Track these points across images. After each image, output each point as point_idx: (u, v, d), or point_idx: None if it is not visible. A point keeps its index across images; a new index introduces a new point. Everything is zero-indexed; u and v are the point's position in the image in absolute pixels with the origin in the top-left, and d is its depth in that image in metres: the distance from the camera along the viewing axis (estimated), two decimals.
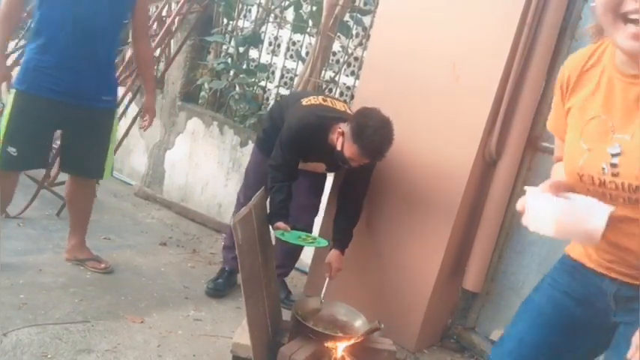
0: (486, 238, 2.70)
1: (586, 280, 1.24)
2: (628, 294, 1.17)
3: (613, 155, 1.07)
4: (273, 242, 2.53)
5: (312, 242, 2.56)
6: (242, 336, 2.08)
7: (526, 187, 1.11)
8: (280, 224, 2.43)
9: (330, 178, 2.94)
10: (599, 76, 1.12)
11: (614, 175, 1.07)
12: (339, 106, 2.62)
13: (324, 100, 2.62)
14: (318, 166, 2.76)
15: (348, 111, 2.62)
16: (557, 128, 1.28)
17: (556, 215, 1.03)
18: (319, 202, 2.93)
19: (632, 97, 1.06)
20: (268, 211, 2.47)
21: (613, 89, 1.09)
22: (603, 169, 1.09)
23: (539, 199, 1.07)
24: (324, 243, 2.56)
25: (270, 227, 2.44)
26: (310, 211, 2.89)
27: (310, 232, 2.85)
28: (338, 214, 2.67)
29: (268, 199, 2.50)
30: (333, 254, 2.56)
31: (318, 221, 2.98)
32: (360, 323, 2.26)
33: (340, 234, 2.62)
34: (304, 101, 2.59)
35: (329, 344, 2.09)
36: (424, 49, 2.66)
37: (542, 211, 1.05)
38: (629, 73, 1.05)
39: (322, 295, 2.40)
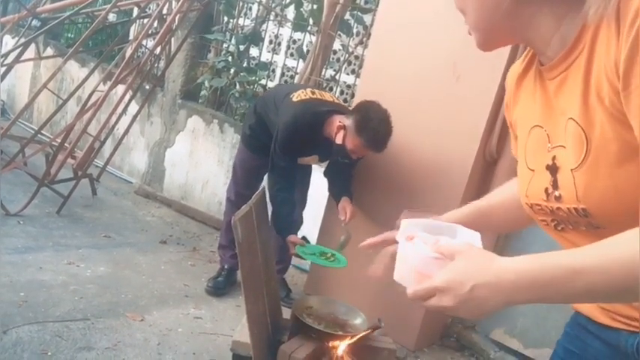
0: (486, 238, 2.70)
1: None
2: None
3: (552, 173, 0.81)
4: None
5: (333, 261, 2.58)
6: (242, 334, 2.08)
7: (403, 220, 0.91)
8: (293, 238, 2.55)
9: (315, 173, 2.99)
10: (535, 78, 0.89)
11: (558, 199, 0.81)
12: (328, 97, 2.67)
13: (313, 93, 2.64)
14: (312, 159, 2.79)
15: (336, 101, 2.69)
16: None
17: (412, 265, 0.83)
18: (307, 194, 2.97)
19: (550, 93, 0.83)
20: (271, 213, 2.50)
21: (546, 90, 0.84)
22: (547, 192, 0.82)
23: (407, 246, 0.87)
24: (343, 263, 2.54)
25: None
26: (299, 204, 2.90)
27: (301, 222, 2.85)
28: (332, 187, 2.80)
29: (272, 210, 2.55)
30: (344, 201, 2.65)
31: (316, 224, 2.98)
32: (360, 321, 2.25)
33: (341, 190, 2.72)
34: (294, 97, 2.60)
35: (329, 342, 2.09)
36: (425, 47, 2.66)
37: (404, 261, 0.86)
38: (546, 64, 0.82)
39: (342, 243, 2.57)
